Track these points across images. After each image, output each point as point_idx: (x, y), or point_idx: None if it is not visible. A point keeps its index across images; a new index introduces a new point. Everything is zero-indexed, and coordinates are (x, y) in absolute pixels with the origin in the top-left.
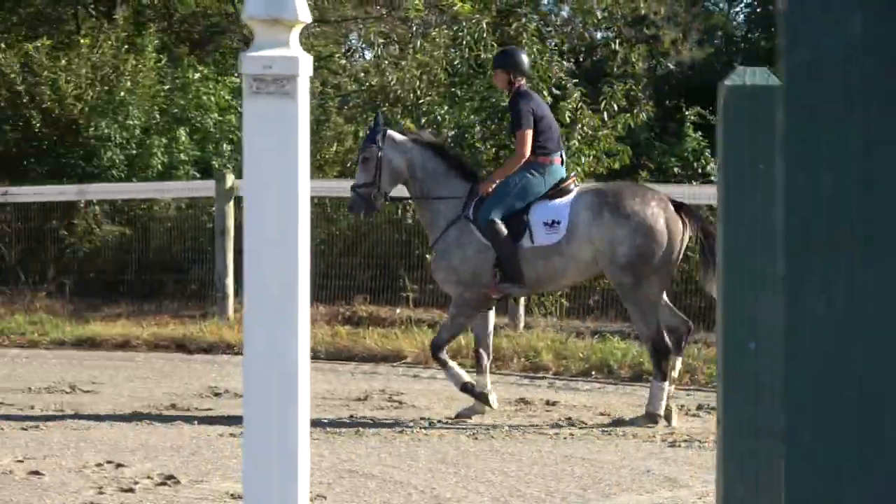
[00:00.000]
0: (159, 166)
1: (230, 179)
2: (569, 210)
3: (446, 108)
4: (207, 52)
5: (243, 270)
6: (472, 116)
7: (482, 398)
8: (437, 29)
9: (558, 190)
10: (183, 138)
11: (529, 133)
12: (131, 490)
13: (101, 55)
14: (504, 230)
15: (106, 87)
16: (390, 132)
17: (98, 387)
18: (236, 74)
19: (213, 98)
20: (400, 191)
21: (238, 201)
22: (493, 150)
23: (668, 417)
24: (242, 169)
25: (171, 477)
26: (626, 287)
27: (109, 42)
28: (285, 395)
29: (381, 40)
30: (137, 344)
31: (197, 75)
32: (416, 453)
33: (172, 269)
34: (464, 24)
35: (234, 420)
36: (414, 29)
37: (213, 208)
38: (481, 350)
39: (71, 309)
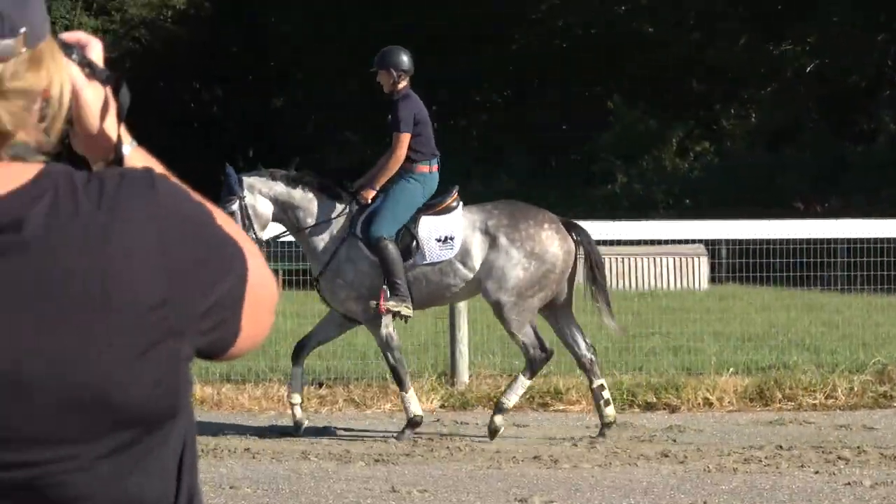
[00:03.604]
0: None
1: None
2: (461, 227)
3: None
4: None
5: None
6: None
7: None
8: None
9: (444, 206)
10: None
11: (407, 137)
12: None
13: None
14: (393, 250)
15: None
16: (246, 179)
17: None
18: None
19: None
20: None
21: None
22: None
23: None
24: None
25: None
26: (507, 305)
27: None
28: None
29: None
30: None
31: None
32: None
33: None
34: None
35: None
36: None
37: None
38: (305, 351)
39: None
